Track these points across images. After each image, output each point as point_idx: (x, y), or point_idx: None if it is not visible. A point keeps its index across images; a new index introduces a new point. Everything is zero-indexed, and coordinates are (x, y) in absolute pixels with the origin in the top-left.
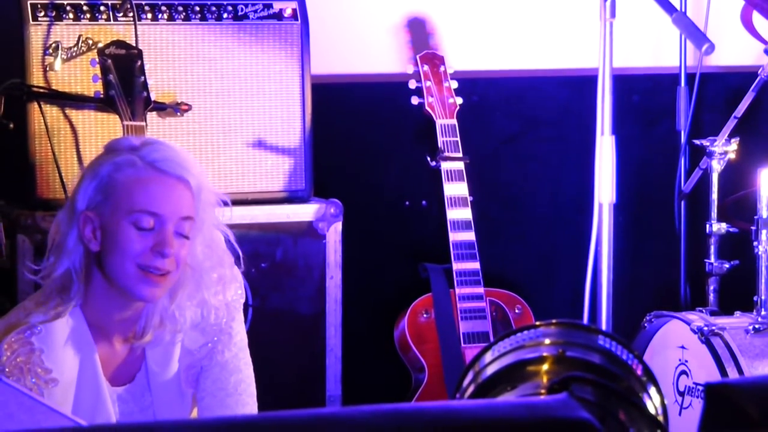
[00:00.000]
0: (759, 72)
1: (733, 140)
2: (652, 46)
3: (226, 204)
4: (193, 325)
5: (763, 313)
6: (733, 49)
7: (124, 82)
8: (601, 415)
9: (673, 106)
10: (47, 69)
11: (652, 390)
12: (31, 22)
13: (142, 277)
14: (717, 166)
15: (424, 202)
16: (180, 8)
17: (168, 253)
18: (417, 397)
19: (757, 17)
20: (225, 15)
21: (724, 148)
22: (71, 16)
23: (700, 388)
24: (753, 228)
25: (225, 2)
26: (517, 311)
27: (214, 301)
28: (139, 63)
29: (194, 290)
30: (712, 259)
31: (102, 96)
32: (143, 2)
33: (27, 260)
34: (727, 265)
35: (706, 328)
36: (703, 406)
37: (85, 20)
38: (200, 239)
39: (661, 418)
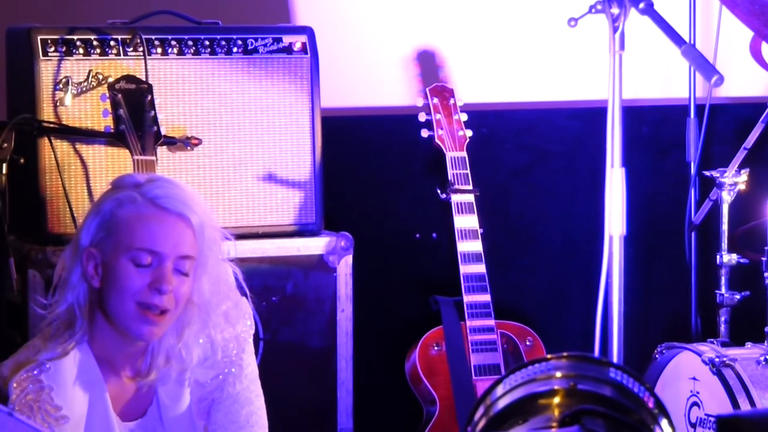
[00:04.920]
0: None
1: (743, 171)
2: (662, 78)
3: (230, 240)
4: (200, 361)
5: None
6: (742, 80)
7: (134, 117)
8: None
9: (682, 138)
10: (57, 104)
11: (664, 422)
12: (42, 57)
13: (140, 315)
14: (727, 197)
15: (434, 235)
16: (190, 42)
17: (166, 290)
18: (428, 430)
19: (766, 48)
20: (235, 49)
21: (734, 179)
22: (81, 51)
23: (712, 419)
24: (763, 259)
25: (234, 36)
26: (528, 343)
27: (221, 337)
28: (149, 97)
29: (201, 328)
30: (723, 290)
31: (112, 131)
32: (153, 37)
33: (38, 295)
34: (737, 296)
35: (717, 360)
36: None
37: (95, 55)
38: (206, 277)
39: None
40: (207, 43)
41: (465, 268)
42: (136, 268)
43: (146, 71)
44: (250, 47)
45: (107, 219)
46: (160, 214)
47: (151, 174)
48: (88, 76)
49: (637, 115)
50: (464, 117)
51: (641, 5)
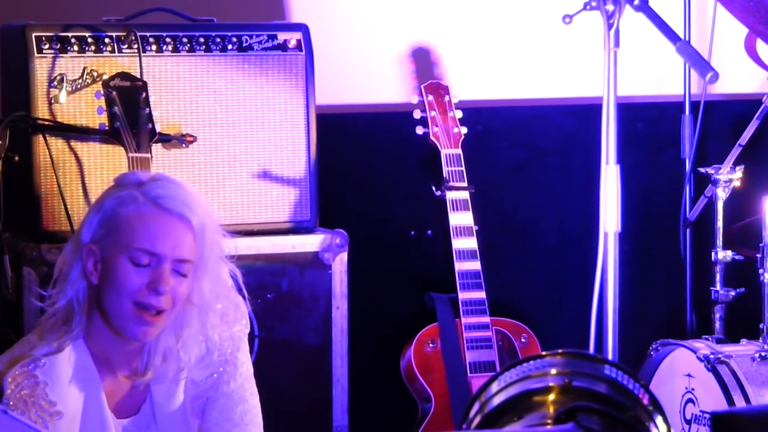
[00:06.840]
0: (763, 100)
1: (737, 168)
2: (657, 75)
3: (231, 238)
4: (197, 361)
5: None
6: (737, 77)
7: (129, 114)
8: None
9: (677, 134)
10: (52, 101)
11: (659, 419)
12: (36, 54)
13: (137, 316)
14: (722, 194)
15: (429, 232)
16: (185, 40)
17: (163, 291)
18: (424, 427)
19: (761, 45)
20: (229, 46)
21: (729, 176)
22: (76, 48)
23: (707, 416)
24: (758, 255)
25: (229, 33)
26: (523, 340)
27: (218, 337)
28: (144, 95)
29: (199, 328)
30: (718, 287)
31: (107, 128)
32: (148, 34)
33: (33, 292)
34: (732, 293)
35: (712, 356)
36: None
37: (90, 52)
38: (206, 278)
39: None
40: (202, 40)
41: (460, 265)
42: (135, 267)
43: (141, 68)
44: (244, 44)
45: (108, 216)
46: (160, 214)
47: (155, 173)
48: (82, 74)
49: (631, 112)
50: (459, 114)
51: (636, 2)
